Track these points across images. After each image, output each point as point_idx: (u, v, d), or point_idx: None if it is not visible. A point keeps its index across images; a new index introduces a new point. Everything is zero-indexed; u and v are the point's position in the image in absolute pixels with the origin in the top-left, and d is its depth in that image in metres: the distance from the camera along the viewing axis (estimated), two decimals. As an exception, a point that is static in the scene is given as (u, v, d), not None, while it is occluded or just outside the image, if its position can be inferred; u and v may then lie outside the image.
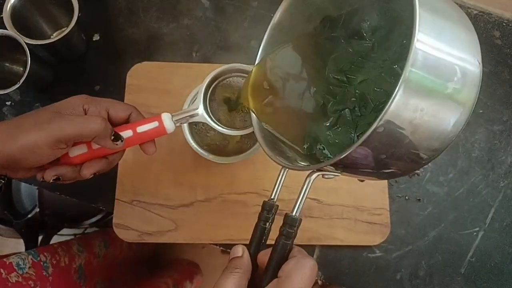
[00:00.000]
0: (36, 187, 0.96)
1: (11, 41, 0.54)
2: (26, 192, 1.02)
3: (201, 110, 0.45)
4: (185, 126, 0.53)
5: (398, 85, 0.25)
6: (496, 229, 0.61)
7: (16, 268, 0.54)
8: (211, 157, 0.53)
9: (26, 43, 0.54)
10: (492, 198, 0.62)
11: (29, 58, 0.54)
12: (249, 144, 0.55)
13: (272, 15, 0.65)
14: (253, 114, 0.44)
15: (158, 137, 0.43)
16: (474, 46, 0.29)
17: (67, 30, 0.55)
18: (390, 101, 0.25)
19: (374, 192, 0.60)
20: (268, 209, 0.37)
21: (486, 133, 0.64)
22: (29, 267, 0.56)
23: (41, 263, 0.58)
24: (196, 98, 0.46)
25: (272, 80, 0.43)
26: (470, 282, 0.60)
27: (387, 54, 0.38)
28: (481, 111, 0.65)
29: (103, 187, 0.60)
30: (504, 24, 0.68)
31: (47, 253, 0.61)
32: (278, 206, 0.37)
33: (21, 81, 0.54)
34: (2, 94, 0.57)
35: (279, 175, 0.38)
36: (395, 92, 0.25)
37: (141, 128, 0.41)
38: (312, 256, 0.60)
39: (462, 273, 0.60)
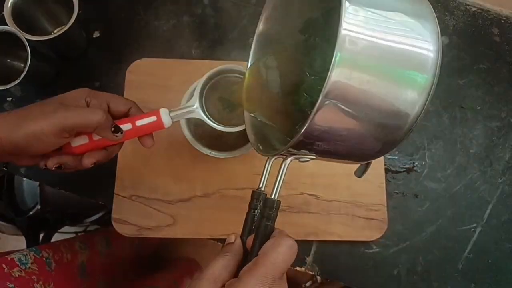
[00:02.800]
0: (37, 185, 0.97)
1: (12, 37, 0.55)
2: (28, 189, 1.03)
3: (197, 106, 0.47)
4: (183, 122, 0.54)
5: (334, 53, 0.27)
6: (494, 225, 0.61)
7: (18, 263, 0.54)
8: (209, 152, 0.53)
9: (26, 39, 0.55)
10: (490, 194, 0.62)
11: (30, 54, 0.54)
12: (247, 139, 0.55)
13: (270, 12, 0.66)
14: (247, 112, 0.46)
15: (156, 131, 0.45)
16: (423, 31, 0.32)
17: (67, 27, 0.56)
18: (329, 72, 0.28)
19: (372, 188, 0.60)
20: (256, 197, 0.39)
21: (484, 130, 0.64)
22: (32, 263, 0.56)
23: (44, 259, 0.59)
24: (193, 95, 0.48)
25: (262, 83, 0.46)
26: (468, 278, 0.60)
27: None
28: (479, 107, 0.65)
29: (102, 182, 0.60)
30: (503, 21, 0.68)
31: (49, 249, 0.61)
32: (266, 194, 0.39)
33: (22, 76, 0.54)
34: (3, 90, 0.58)
35: (265, 165, 0.40)
36: (332, 63, 0.27)
37: (140, 122, 0.44)
38: (310, 252, 0.60)
39: (460, 269, 0.60)
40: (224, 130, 0.48)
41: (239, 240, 0.37)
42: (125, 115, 0.45)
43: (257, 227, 0.36)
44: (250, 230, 0.38)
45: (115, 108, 0.44)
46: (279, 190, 0.36)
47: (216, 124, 0.48)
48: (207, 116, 0.48)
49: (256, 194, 0.39)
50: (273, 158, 0.40)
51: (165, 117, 0.44)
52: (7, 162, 0.45)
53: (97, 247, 0.77)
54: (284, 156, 0.37)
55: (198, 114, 0.47)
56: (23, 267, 0.54)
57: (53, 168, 0.42)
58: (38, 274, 0.56)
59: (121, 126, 0.43)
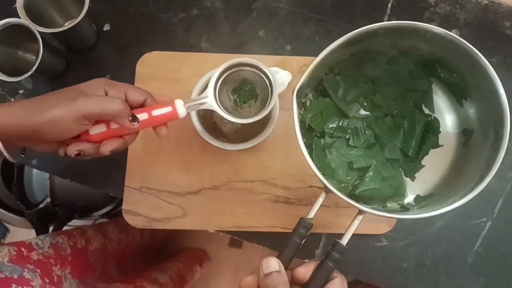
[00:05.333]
0: (47, 178, 0.98)
1: (24, 30, 0.55)
2: (38, 182, 1.04)
3: (211, 98, 0.48)
4: (193, 114, 0.54)
5: None
6: (504, 219, 0.61)
7: (35, 247, 0.56)
8: (219, 144, 0.54)
9: (38, 31, 0.55)
10: (500, 189, 0.62)
11: (42, 46, 0.55)
12: (257, 131, 0.55)
13: (280, 5, 0.66)
14: None
15: (170, 121, 0.46)
16: None
17: (78, 20, 0.56)
18: None
19: (381, 181, 0.60)
20: (303, 226, 0.40)
21: (495, 124, 0.64)
22: (48, 247, 0.58)
23: (59, 244, 0.60)
24: (206, 87, 0.49)
25: None
26: (477, 272, 0.60)
27: None
28: (489, 101, 0.65)
29: (113, 174, 0.61)
30: (514, 14, 0.67)
31: (64, 235, 0.62)
32: (313, 224, 0.41)
33: (33, 69, 0.55)
34: (14, 82, 0.59)
35: (318, 198, 0.42)
36: None
37: (156, 112, 0.45)
38: (319, 245, 0.60)
39: (469, 263, 0.60)
40: (237, 122, 0.48)
41: (283, 269, 0.38)
42: (141, 105, 0.46)
43: (320, 265, 0.39)
44: (292, 258, 0.40)
45: (132, 98, 0.46)
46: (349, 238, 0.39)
47: (229, 115, 0.48)
48: (220, 107, 0.48)
49: (304, 223, 0.40)
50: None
51: (180, 107, 0.45)
52: (25, 148, 0.45)
53: (109, 234, 0.78)
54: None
55: (212, 105, 0.47)
56: (41, 251, 0.55)
57: (73, 155, 0.43)
58: (55, 257, 0.57)
59: (138, 115, 0.44)
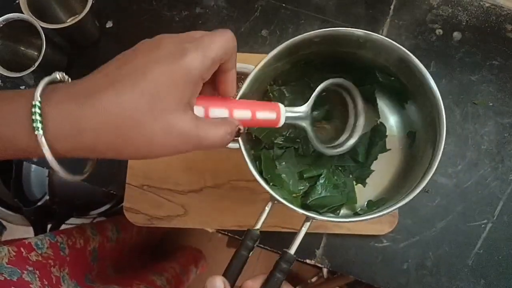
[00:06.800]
0: (46, 175, 0.98)
1: (27, 25, 0.55)
2: (36, 180, 1.04)
3: (307, 115, 0.39)
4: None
5: None
6: (505, 221, 0.61)
7: (35, 247, 0.55)
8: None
9: (41, 27, 0.55)
10: (501, 191, 0.62)
11: (44, 42, 0.54)
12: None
13: (284, 5, 0.66)
14: None
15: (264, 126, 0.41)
16: None
17: (81, 16, 0.56)
18: None
19: (382, 182, 0.60)
20: (251, 237, 0.38)
21: (496, 126, 0.64)
22: (47, 247, 0.57)
23: (58, 243, 0.60)
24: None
25: None
26: (477, 274, 0.60)
27: None
28: (491, 104, 0.65)
29: (114, 171, 0.61)
30: (516, 17, 0.68)
31: (63, 235, 0.62)
32: (260, 235, 0.38)
33: (36, 64, 0.55)
34: (16, 78, 0.58)
35: (265, 208, 0.40)
36: None
37: (260, 115, 0.35)
38: (320, 245, 0.60)
39: (469, 265, 0.60)
40: (328, 154, 0.44)
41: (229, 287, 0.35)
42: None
43: (269, 278, 0.36)
44: (239, 273, 0.36)
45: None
46: (298, 245, 0.37)
47: (322, 146, 0.43)
48: (313, 133, 0.41)
49: (251, 234, 0.38)
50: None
51: (283, 116, 0.36)
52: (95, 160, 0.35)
53: (108, 232, 0.78)
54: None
55: (306, 124, 0.39)
56: (40, 252, 0.55)
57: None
58: (54, 258, 0.56)
59: (240, 111, 0.33)
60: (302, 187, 0.49)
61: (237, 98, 0.38)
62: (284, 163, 0.48)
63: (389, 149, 0.50)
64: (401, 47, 0.40)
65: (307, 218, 0.38)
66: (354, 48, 0.43)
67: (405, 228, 0.60)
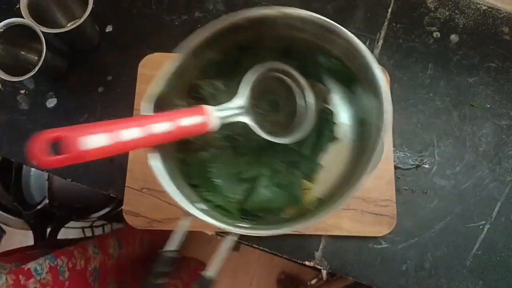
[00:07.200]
0: (46, 179, 0.98)
1: (27, 30, 0.55)
2: (36, 183, 1.04)
3: (246, 108, 0.37)
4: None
5: None
6: (502, 223, 0.62)
7: (34, 273, 0.56)
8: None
9: (41, 31, 0.55)
10: (498, 192, 0.63)
11: (45, 47, 0.55)
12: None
13: (282, 8, 0.67)
14: None
15: (195, 135, 0.37)
16: None
17: (81, 20, 0.57)
18: None
19: (381, 184, 0.61)
20: (164, 261, 0.33)
21: (494, 128, 0.65)
22: (46, 272, 0.57)
23: (58, 267, 0.60)
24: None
25: None
26: (475, 275, 0.60)
27: None
28: (488, 106, 0.65)
29: (114, 174, 0.61)
30: (513, 20, 0.68)
31: (64, 256, 0.62)
32: (178, 258, 0.33)
33: (36, 69, 0.55)
34: (17, 82, 0.59)
35: (179, 223, 0.36)
36: None
37: (184, 121, 0.33)
38: (319, 247, 0.60)
39: (468, 266, 0.60)
40: (275, 141, 0.40)
41: None
42: None
43: None
44: None
45: None
46: (218, 268, 0.31)
47: (267, 135, 0.39)
48: (256, 124, 0.39)
49: (165, 258, 0.32)
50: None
51: (213, 117, 0.34)
52: None
53: (110, 249, 0.78)
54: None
55: (246, 119, 0.37)
56: (38, 278, 0.55)
57: None
58: (52, 285, 0.56)
59: (158, 125, 0.32)
60: (239, 191, 0.44)
61: (149, 99, 0.35)
62: (219, 164, 0.43)
63: (338, 139, 0.45)
64: (322, 17, 0.37)
65: (226, 233, 0.33)
66: (290, 31, 0.39)
67: (403, 230, 0.61)
